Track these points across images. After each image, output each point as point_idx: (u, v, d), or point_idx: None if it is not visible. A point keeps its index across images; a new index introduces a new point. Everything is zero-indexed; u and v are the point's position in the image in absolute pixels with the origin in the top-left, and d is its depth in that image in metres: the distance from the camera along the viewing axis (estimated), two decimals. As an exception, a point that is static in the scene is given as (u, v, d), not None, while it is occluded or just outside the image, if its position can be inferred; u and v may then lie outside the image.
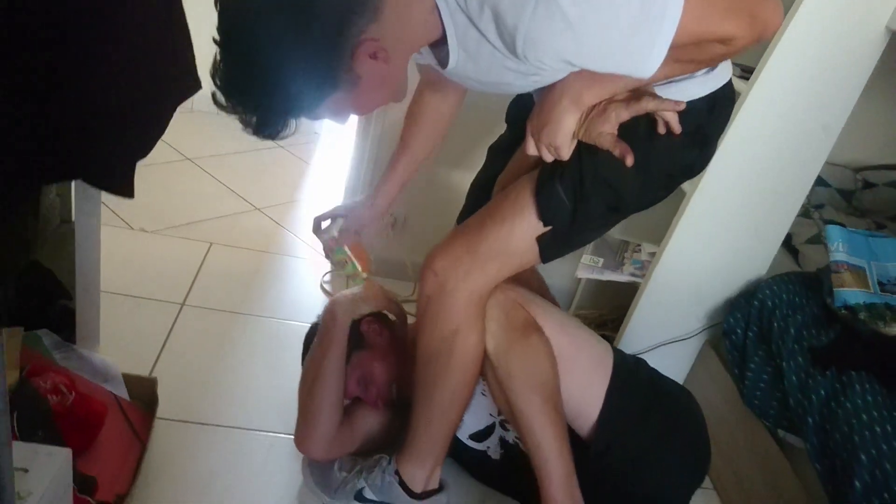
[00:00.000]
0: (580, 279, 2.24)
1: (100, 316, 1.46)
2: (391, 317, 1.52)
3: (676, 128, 1.04)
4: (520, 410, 1.22)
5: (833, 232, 1.63)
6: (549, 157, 1.08)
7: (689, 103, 1.04)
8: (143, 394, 1.46)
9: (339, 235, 1.42)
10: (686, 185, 1.71)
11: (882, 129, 2.19)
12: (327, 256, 1.48)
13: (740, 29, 0.90)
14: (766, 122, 1.57)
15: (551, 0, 0.83)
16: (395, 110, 1.99)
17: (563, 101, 1.01)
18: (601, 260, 1.97)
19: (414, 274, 2.18)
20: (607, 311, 2.26)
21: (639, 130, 1.06)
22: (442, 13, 0.93)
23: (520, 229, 1.15)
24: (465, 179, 1.63)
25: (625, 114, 1.00)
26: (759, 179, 1.65)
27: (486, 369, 1.27)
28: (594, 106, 1.02)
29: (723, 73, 1.14)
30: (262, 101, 0.92)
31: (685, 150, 1.14)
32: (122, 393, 1.44)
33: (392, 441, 1.44)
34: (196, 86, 0.78)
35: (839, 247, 1.61)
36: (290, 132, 0.98)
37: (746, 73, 1.59)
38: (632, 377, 1.35)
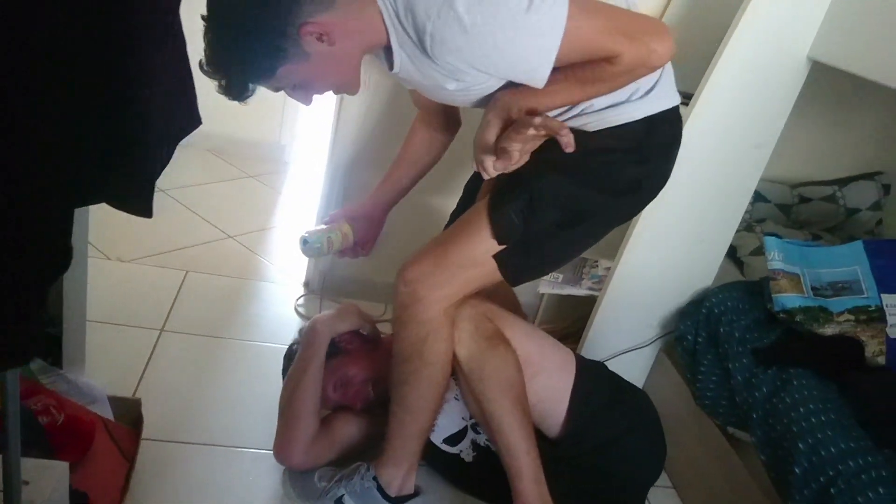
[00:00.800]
0: (543, 294, 2.35)
1: (85, 339, 1.52)
2: (365, 333, 1.63)
3: (567, 147, 1.12)
4: (491, 412, 1.33)
5: (770, 242, 1.77)
6: (488, 170, 1.20)
7: (626, 125, 1.21)
8: (129, 414, 1.53)
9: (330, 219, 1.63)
10: (636, 203, 1.85)
11: (815, 147, 2.37)
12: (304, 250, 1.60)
13: (623, 48, 1.06)
14: (706, 143, 1.71)
15: (451, 5, 1.00)
16: (361, 143, 2.11)
17: (492, 113, 1.17)
18: (561, 276, 2.09)
19: (385, 295, 2.27)
20: (569, 323, 2.37)
21: (576, 150, 1.18)
22: (384, 17, 1.11)
23: (478, 246, 1.28)
24: (433, 204, 1.75)
25: (514, 135, 1.14)
26: (702, 196, 1.79)
27: (459, 376, 1.38)
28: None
29: (660, 100, 1.27)
30: (228, 65, 1.13)
31: (624, 167, 1.26)
32: (108, 414, 1.50)
33: (370, 449, 1.52)
34: (197, 122, 0.88)
35: (776, 256, 1.75)
36: (249, 94, 1.18)
37: (687, 98, 1.74)
38: (594, 377, 1.49)
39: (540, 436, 1.42)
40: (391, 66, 1.19)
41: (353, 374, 1.55)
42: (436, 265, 1.29)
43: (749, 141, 1.74)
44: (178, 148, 2.97)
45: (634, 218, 1.81)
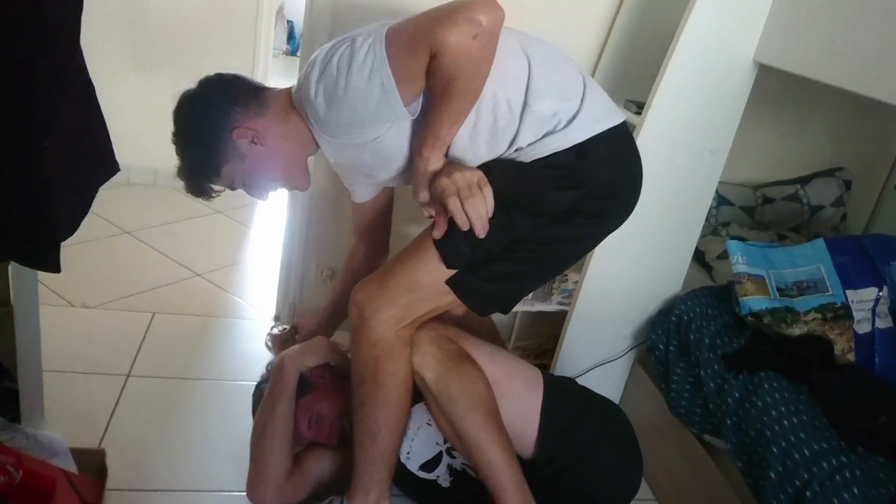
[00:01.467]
0: (515, 312, 2.34)
1: (43, 393, 1.48)
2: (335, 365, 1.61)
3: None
4: (466, 431, 1.32)
5: (733, 246, 1.77)
6: (427, 212, 1.29)
7: (554, 155, 1.25)
8: (93, 466, 1.49)
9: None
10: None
11: (775, 148, 2.39)
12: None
13: (438, 35, 1.09)
14: (660, 151, 1.71)
15: (312, 99, 1.24)
16: (323, 178, 2.10)
17: (415, 161, 1.30)
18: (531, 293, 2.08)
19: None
20: (544, 339, 2.36)
21: (512, 179, 1.26)
22: (304, 118, 1.32)
23: (422, 268, 1.28)
24: (401, 232, 1.74)
25: (425, 194, 1.30)
26: (662, 204, 1.79)
27: (428, 400, 1.36)
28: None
29: (589, 125, 1.28)
30: (183, 166, 1.38)
31: (559, 192, 1.27)
32: (71, 467, 1.46)
33: (345, 482, 1.49)
34: (114, 168, 0.86)
35: (739, 259, 1.75)
36: (214, 194, 1.43)
37: (639, 107, 1.75)
38: (562, 392, 1.47)
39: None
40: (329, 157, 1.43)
41: (326, 411, 1.52)
42: (381, 286, 1.30)
43: (704, 146, 1.75)
44: (143, 188, 3.01)
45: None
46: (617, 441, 1.49)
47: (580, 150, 1.26)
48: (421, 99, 1.23)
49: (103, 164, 0.84)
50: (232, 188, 1.39)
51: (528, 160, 1.27)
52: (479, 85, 1.20)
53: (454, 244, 1.26)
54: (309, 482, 1.51)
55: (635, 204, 1.42)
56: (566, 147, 1.25)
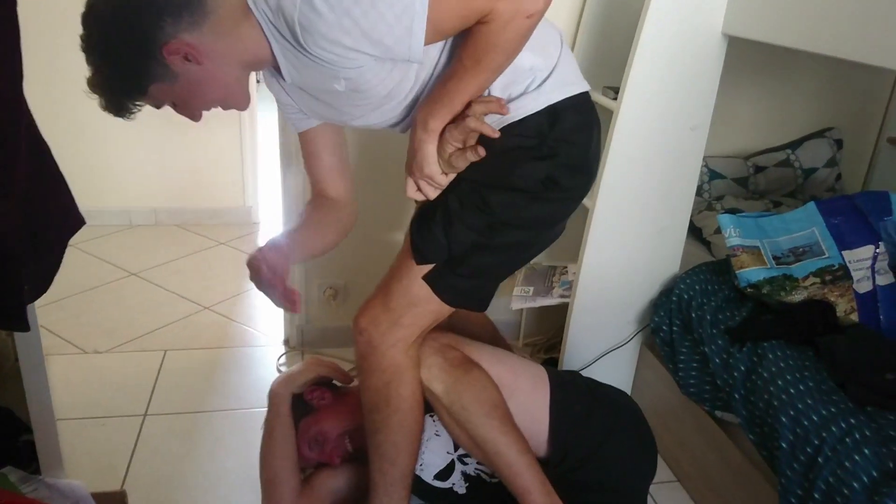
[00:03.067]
0: (521, 310, 2.35)
1: (59, 442, 1.51)
2: (335, 382, 1.62)
3: (491, 133, 1.14)
4: (483, 438, 1.32)
5: (724, 220, 1.77)
6: (431, 192, 1.21)
7: (527, 118, 1.18)
8: (115, 508, 1.52)
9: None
10: (586, 201, 1.85)
11: (761, 115, 2.38)
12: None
13: (501, 4, 1.02)
14: (640, 133, 1.72)
15: (293, 4, 1.00)
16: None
17: (418, 133, 1.16)
18: (531, 288, 2.09)
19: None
20: (553, 334, 2.37)
21: (491, 153, 1.18)
22: (262, 27, 1.10)
23: (418, 282, 1.26)
24: (386, 240, 1.75)
25: (456, 133, 1.14)
26: (650, 183, 1.79)
27: (440, 411, 1.37)
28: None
29: (562, 87, 1.23)
30: (101, 84, 1.12)
31: (532, 163, 1.21)
32: (94, 512, 1.49)
33: (362, 499, 1.51)
34: (79, 223, 0.88)
35: (732, 232, 1.74)
36: (136, 110, 1.17)
37: (616, 93, 1.75)
38: (569, 386, 1.46)
39: None
40: (283, 77, 1.20)
41: (326, 430, 1.53)
42: (383, 309, 1.28)
43: (683, 123, 1.75)
44: (145, 228, 3.06)
45: (588, 218, 1.81)
46: (628, 427, 1.48)
47: (552, 115, 1.21)
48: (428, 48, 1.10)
49: (66, 220, 0.85)
50: (157, 107, 1.19)
51: (500, 125, 1.19)
52: (508, 64, 1.14)
53: (430, 236, 1.23)
54: (324, 501, 1.52)
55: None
56: (539, 109, 1.20)
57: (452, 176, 1.21)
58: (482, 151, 1.15)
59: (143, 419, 1.91)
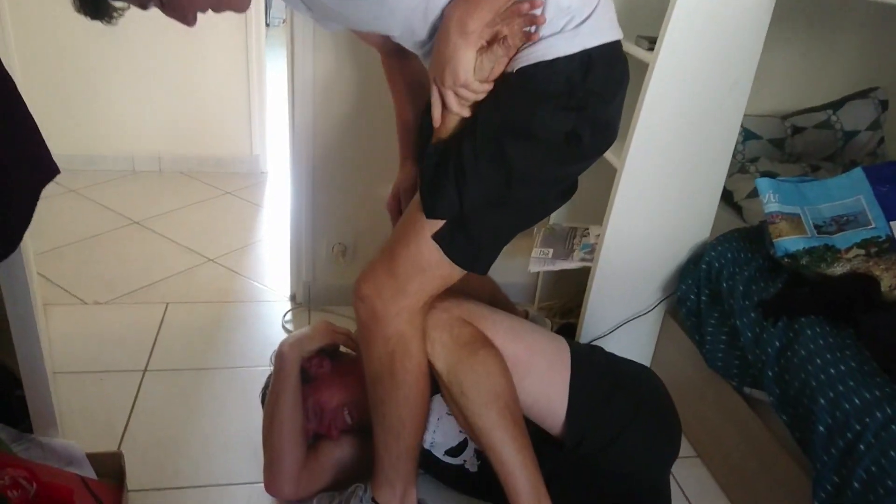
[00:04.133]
0: (537, 273, 2.25)
1: (52, 399, 1.43)
2: (345, 349, 1.53)
3: (540, 20, 1.04)
4: (478, 427, 1.22)
5: (763, 184, 1.65)
6: (462, 108, 1.08)
7: (558, 61, 1.06)
8: (112, 470, 1.45)
9: None
10: (614, 160, 1.74)
11: (802, 73, 2.23)
12: None
13: None
14: (676, 88, 1.59)
15: None
16: (323, 150, 2.01)
17: (452, 38, 1.03)
18: (550, 251, 1.98)
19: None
20: (569, 298, 2.27)
21: (500, 100, 1.07)
22: None
23: (427, 246, 1.15)
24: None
25: (506, 30, 1.03)
26: (683, 143, 1.67)
27: (442, 388, 1.28)
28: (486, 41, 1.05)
29: (600, 32, 1.11)
30: None
31: (559, 114, 1.09)
32: (89, 473, 1.43)
33: (368, 468, 1.44)
34: (53, 170, 0.78)
35: (771, 198, 1.63)
36: (117, 14, 1.04)
37: (651, 43, 1.61)
38: (590, 366, 1.35)
39: (543, 439, 1.32)
40: None
41: (323, 401, 1.45)
42: (388, 275, 1.17)
43: (724, 79, 1.61)
44: (148, 175, 2.90)
45: (616, 179, 1.70)
46: (651, 413, 1.37)
47: (585, 62, 1.08)
48: None
49: (36, 170, 0.75)
50: (144, 7, 1.04)
51: (525, 64, 1.08)
52: None
53: (442, 190, 1.11)
54: (328, 470, 1.45)
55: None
56: (573, 52, 1.07)
57: (490, 85, 1.08)
58: (514, 41, 1.04)
59: (142, 375, 1.84)
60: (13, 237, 0.79)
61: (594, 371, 1.34)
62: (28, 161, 0.72)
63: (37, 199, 0.80)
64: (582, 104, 1.11)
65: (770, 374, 1.46)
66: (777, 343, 1.47)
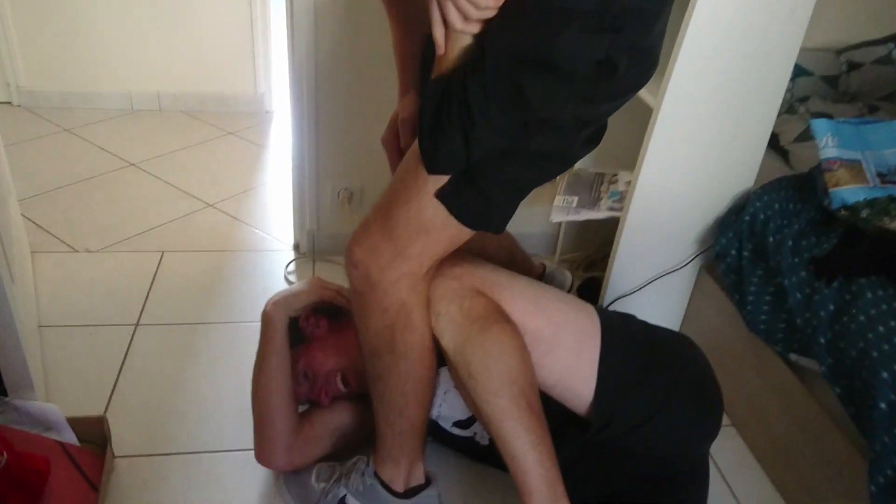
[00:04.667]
0: (559, 223, 2.08)
1: (25, 356, 1.31)
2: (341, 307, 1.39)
3: None
4: (487, 415, 1.06)
5: (819, 126, 1.45)
6: (467, 25, 0.88)
7: None
8: (96, 435, 1.34)
9: None
10: (649, 98, 1.55)
11: (858, 3, 1.99)
12: None
13: None
14: (725, 15, 1.38)
15: None
16: (328, 92, 1.82)
17: None
18: (575, 199, 1.81)
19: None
20: (594, 250, 2.11)
21: (514, 20, 0.87)
22: None
23: (423, 199, 0.97)
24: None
25: None
26: (730, 79, 1.47)
27: (449, 367, 1.13)
28: None
29: None
30: None
31: (588, 37, 0.87)
32: (70, 438, 1.31)
33: (369, 436, 1.31)
34: None
35: (829, 141, 1.44)
36: None
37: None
38: (623, 340, 1.17)
39: (565, 419, 1.17)
40: None
41: (316, 365, 1.32)
42: (384, 237, 1.01)
43: (781, 6, 1.40)
44: (147, 114, 2.67)
45: (651, 119, 1.51)
46: (691, 390, 1.20)
47: None
48: None
49: None
50: None
51: None
52: None
53: (444, 139, 0.93)
54: (325, 437, 1.33)
55: None
56: None
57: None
58: None
59: (134, 329, 1.72)
60: None
61: (628, 346, 1.17)
62: None
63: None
64: (617, 25, 0.89)
65: (822, 340, 1.30)
66: (831, 306, 1.30)
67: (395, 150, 1.29)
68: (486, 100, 0.90)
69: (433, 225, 0.98)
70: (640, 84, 1.00)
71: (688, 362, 1.21)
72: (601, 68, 0.90)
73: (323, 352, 1.32)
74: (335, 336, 1.34)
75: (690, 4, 1.37)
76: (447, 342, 1.06)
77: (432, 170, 0.95)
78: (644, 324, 1.24)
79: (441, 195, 0.97)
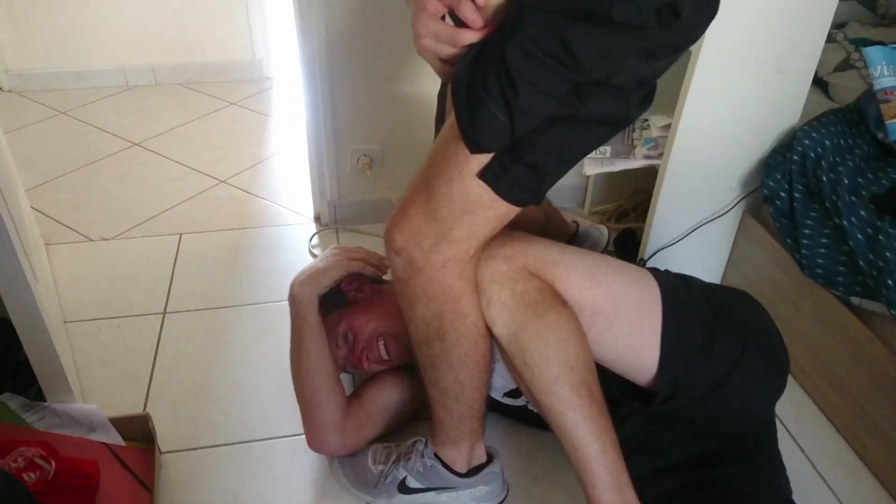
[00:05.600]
0: (588, 174, 2.00)
1: (57, 356, 1.25)
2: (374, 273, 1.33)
3: None
4: (546, 406, 0.99)
5: (873, 54, 1.37)
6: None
7: None
8: (139, 433, 1.30)
9: None
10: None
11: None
12: None
13: None
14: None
15: None
16: (340, 48, 1.72)
17: None
18: (608, 148, 1.73)
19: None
20: (625, 199, 2.04)
21: None
22: None
23: (467, 178, 0.89)
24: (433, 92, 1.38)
25: None
26: (772, 13, 1.38)
27: (501, 353, 1.06)
28: None
29: None
30: None
31: None
32: (116, 439, 1.27)
33: (423, 408, 1.26)
34: None
35: (883, 70, 1.36)
36: None
37: None
38: (685, 308, 1.09)
39: (626, 390, 1.12)
40: None
41: (359, 326, 1.27)
42: (427, 219, 0.93)
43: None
44: (144, 90, 2.55)
45: (691, 61, 1.42)
46: (758, 352, 1.12)
47: None
48: None
49: None
50: None
51: None
52: None
53: (485, 113, 0.85)
54: (377, 416, 1.28)
55: None
56: None
57: None
58: None
59: (162, 318, 1.66)
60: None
61: (690, 313, 1.09)
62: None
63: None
64: None
65: (891, 282, 1.24)
66: (898, 246, 1.24)
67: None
68: (528, 64, 0.81)
69: (479, 205, 0.90)
70: (703, 31, 0.91)
71: (753, 324, 1.14)
72: (664, 14, 0.81)
73: (365, 314, 1.27)
74: (379, 298, 1.29)
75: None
76: (500, 329, 0.99)
77: (474, 149, 0.88)
78: (704, 285, 1.16)
79: (485, 175, 0.89)
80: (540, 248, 1.04)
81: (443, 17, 0.90)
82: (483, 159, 0.88)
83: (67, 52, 2.77)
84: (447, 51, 0.88)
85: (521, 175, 0.89)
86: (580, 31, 0.79)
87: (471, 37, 0.86)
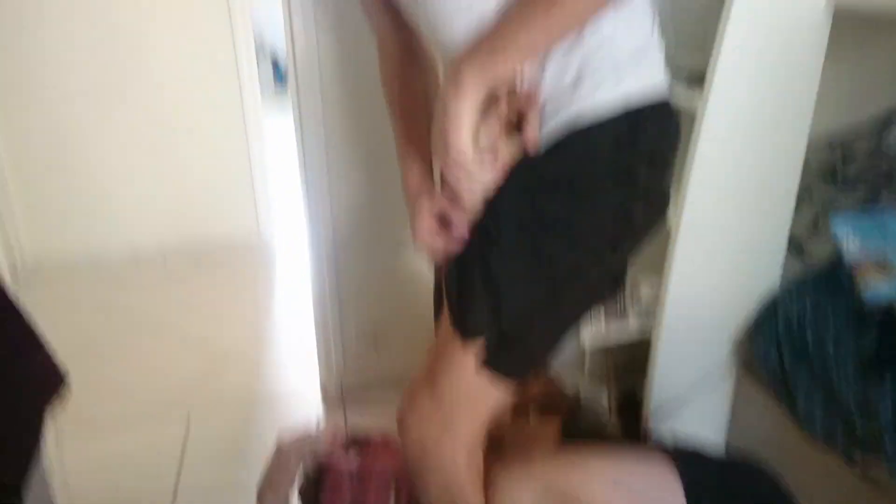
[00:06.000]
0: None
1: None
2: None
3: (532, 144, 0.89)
4: None
5: (839, 226, 1.48)
6: (468, 192, 0.92)
7: (604, 124, 0.88)
8: None
9: None
10: (670, 220, 1.58)
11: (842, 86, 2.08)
12: None
13: None
14: (732, 132, 1.44)
15: None
16: (341, 210, 1.84)
17: (448, 90, 0.84)
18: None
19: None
20: (623, 356, 2.09)
21: (546, 178, 0.91)
22: None
23: (463, 366, 0.97)
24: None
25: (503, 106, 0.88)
26: (741, 192, 1.51)
27: None
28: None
29: (646, 80, 0.92)
30: None
31: (609, 195, 0.92)
32: None
33: None
34: (60, 381, 0.63)
35: (851, 242, 1.46)
36: None
37: (698, 79, 1.45)
38: (706, 493, 1.12)
39: None
40: None
41: (374, 469, 1.32)
42: (435, 407, 1.00)
43: (780, 116, 1.47)
44: (151, 265, 2.56)
45: (672, 241, 1.53)
46: None
47: (632, 122, 0.90)
48: None
49: (45, 382, 0.60)
50: None
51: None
52: (590, 13, 0.84)
53: (472, 307, 0.94)
54: None
55: None
56: (615, 101, 0.88)
57: (498, 169, 0.90)
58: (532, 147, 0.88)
59: (172, 505, 1.65)
60: (21, 466, 0.62)
61: (712, 497, 1.13)
62: (36, 376, 0.57)
63: (43, 418, 0.64)
64: (632, 178, 0.95)
65: (887, 438, 1.27)
66: (890, 402, 1.29)
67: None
68: (505, 265, 0.92)
69: (479, 388, 0.98)
70: (659, 223, 1.05)
71: (772, 497, 1.17)
72: (618, 217, 0.95)
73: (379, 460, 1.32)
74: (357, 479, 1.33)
75: (698, 121, 1.42)
76: None
77: (466, 336, 0.96)
78: (720, 463, 1.21)
79: (481, 360, 0.97)
80: (559, 458, 1.11)
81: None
82: (476, 346, 0.96)
83: (74, 231, 2.92)
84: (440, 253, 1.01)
85: (514, 358, 0.98)
86: (549, 236, 0.92)
87: (456, 248, 0.97)
